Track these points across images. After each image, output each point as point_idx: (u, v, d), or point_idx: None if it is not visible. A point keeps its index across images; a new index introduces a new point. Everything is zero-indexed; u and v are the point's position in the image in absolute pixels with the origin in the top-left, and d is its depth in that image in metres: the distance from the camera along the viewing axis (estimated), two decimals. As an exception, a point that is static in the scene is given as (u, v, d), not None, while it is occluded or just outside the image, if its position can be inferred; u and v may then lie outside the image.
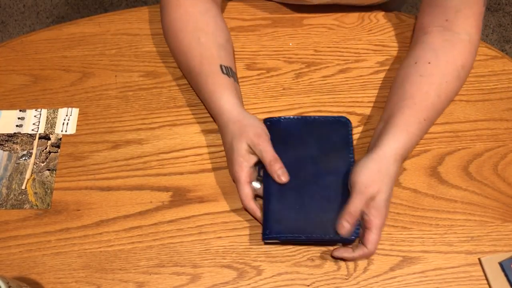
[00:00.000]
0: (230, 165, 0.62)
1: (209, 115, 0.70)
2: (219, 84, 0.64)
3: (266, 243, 0.61)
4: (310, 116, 0.67)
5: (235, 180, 0.61)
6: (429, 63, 0.65)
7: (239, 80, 0.73)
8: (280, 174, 0.60)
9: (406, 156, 0.63)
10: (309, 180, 0.61)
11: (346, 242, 0.60)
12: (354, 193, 0.58)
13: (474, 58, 0.67)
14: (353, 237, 0.58)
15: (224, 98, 0.63)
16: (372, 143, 0.64)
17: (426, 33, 0.68)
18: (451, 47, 0.66)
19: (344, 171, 0.61)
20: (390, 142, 0.60)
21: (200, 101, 0.71)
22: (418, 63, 0.66)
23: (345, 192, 0.60)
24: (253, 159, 0.61)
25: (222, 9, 0.79)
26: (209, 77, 0.65)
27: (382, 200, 0.57)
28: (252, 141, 0.60)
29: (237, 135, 0.61)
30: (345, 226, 0.57)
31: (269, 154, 0.60)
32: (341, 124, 0.66)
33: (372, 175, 0.58)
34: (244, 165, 0.60)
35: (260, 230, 0.60)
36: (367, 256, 0.59)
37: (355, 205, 0.57)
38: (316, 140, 0.64)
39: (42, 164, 0.67)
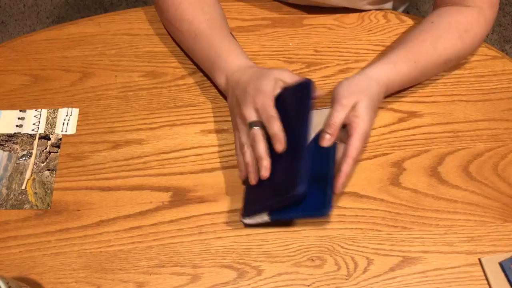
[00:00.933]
0: (256, 80, 0.61)
1: (209, 115, 0.70)
2: (236, 46, 0.67)
3: (246, 225, 0.62)
4: (281, 91, 0.63)
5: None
6: (432, 22, 0.69)
7: (239, 80, 0.73)
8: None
9: (388, 89, 0.65)
10: (274, 154, 0.59)
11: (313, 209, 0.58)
12: (333, 105, 0.61)
13: (483, 29, 0.69)
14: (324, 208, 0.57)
15: (244, 55, 0.67)
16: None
17: (439, 7, 0.72)
18: (457, 13, 0.69)
19: (297, 132, 0.59)
20: (375, 68, 0.64)
21: (200, 101, 0.71)
22: (422, 23, 0.70)
23: (295, 154, 0.58)
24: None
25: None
26: (224, 38, 0.67)
27: (362, 107, 0.60)
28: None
29: (265, 68, 0.64)
30: (326, 137, 0.60)
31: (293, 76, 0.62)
32: (302, 87, 0.62)
33: (351, 88, 0.61)
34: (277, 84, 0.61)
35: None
36: (351, 163, 0.59)
37: (334, 116, 0.60)
38: (283, 110, 0.61)
39: (42, 164, 0.67)
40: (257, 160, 0.59)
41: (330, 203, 0.58)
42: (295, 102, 0.62)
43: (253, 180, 0.60)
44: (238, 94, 0.62)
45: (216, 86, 0.71)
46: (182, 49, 0.75)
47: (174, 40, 0.75)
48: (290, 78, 0.62)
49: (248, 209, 0.61)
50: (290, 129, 0.60)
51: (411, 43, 0.67)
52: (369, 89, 0.62)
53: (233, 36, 0.69)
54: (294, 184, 0.56)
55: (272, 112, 0.59)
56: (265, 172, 0.58)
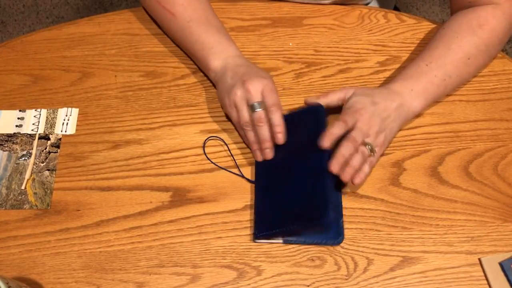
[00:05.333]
0: (253, 73, 0.64)
1: (209, 115, 0.70)
2: (232, 40, 0.69)
3: (256, 241, 0.62)
4: (286, 114, 0.66)
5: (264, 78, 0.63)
6: (443, 28, 0.69)
7: (239, 80, 0.73)
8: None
9: (413, 99, 0.65)
10: (288, 175, 0.62)
11: (318, 225, 0.61)
12: (340, 117, 0.62)
13: (502, 22, 0.67)
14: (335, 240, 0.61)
15: (238, 48, 0.68)
16: None
17: (452, 16, 0.72)
18: (469, 12, 0.69)
19: (318, 158, 0.61)
20: (393, 83, 0.66)
21: (200, 101, 0.71)
22: (436, 33, 0.70)
23: (319, 180, 0.60)
24: None
25: (220, 9, 0.79)
26: (221, 29, 0.70)
27: (353, 100, 0.63)
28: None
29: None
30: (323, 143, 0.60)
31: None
32: (314, 113, 0.65)
33: (359, 104, 0.63)
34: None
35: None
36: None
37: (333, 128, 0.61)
38: (294, 134, 0.64)
39: (42, 164, 0.67)
40: (261, 140, 0.63)
41: (343, 232, 0.61)
42: (310, 127, 0.64)
43: (259, 157, 0.64)
44: (242, 71, 0.64)
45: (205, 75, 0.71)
46: (162, 29, 0.76)
47: (155, 21, 0.76)
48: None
49: (262, 229, 0.61)
50: (308, 154, 0.62)
51: (425, 53, 0.68)
52: (372, 90, 0.64)
53: (226, 29, 0.71)
54: (320, 212, 0.58)
55: (278, 100, 0.63)
56: (270, 155, 0.63)
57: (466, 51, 0.66)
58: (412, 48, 0.76)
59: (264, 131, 0.62)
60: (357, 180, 0.60)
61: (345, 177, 0.59)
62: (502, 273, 0.59)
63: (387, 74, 0.73)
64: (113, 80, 0.73)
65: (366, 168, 0.61)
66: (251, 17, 0.79)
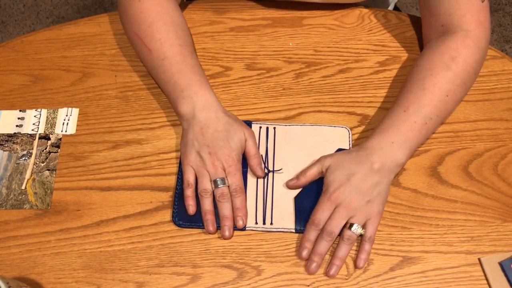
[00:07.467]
0: (231, 133, 0.64)
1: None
2: (205, 79, 0.66)
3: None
4: None
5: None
6: (416, 65, 0.67)
7: (239, 80, 0.73)
8: (260, 168, 0.65)
9: (396, 150, 0.61)
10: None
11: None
12: (321, 198, 0.62)
13: (473, 51, 0.65)
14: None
15: (212, 91, 0.66)
16: None
17: (426, 45, 0.70)
18: (440, 44, 0.66)
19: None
20: (371, 139, 0.63)
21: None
22: (410, 72, 0.68)
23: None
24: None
25: (220, 9, 0.79)
26: (195, 68, 0.66)
27: (329, 179, 0.62)
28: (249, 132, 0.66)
29: (236, 120, 0.66)
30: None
31: (255, 147, 0.65)
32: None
33: (339, 177, 0.61)
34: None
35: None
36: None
37: (318, 212, 0.61)
38: None
39: (42, 164, 0.67)
40: (221, 217, 0.62)
41: None
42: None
43: (211, 229, 0.61)
44: (209, 136, 0.63)
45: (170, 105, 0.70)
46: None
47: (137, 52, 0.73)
48: (253, 143, 0.65)
49: (183, 218, 0.63)
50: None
51: (400, 97, 0.65)
52: (347, 153, 0.63)
53: (201, 66, 0.68)
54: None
55: (241, 184, 0.63)
56: (229, 233, 0.61)
57: (443, 88, 0.63)
58: (412, 48, 0.76)
59: (227, 209, 0.61)
60: (333, 271, 0.59)
61: (309, 267, 0.59)
62: (502, 273, 0.59)
63: (387, 74, 0.73)
64: (113, 80, 0.73)
65: (366, 246, 0.59)
66: (251, 17, 0.79)
